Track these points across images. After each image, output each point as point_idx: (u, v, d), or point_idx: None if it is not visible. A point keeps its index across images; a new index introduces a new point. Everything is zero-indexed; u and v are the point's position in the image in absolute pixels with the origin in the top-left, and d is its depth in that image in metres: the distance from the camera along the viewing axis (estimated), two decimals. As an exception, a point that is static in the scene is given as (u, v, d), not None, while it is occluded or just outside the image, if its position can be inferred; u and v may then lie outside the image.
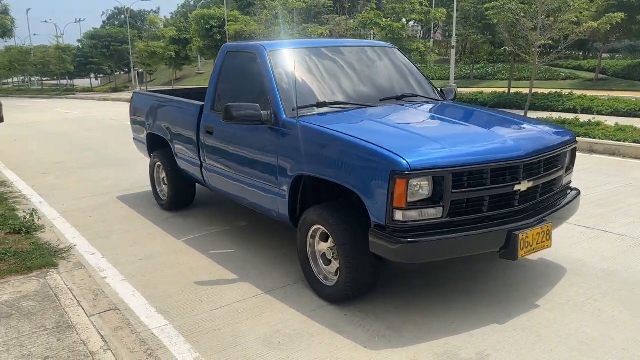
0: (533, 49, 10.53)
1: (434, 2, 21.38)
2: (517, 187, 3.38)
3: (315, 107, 4.09)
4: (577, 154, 4.32)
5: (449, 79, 20.55)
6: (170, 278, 4.23)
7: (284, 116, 3.99)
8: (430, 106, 4.41)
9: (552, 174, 3.69)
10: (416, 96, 4.61)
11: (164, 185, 6.13)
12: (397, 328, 3.35)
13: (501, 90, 16.71)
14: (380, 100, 4.37)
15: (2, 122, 18.61)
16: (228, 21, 26.07)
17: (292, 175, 3.84)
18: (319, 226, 3.67)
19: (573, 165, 4.07)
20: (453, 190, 3.19)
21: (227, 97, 4.67)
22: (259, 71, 4.32)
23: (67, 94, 41.71)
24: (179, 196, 5.91)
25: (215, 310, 3.67)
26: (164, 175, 6.03)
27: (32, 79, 65.67)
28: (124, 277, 4.27)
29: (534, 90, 13.17)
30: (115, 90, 41.30)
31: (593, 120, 10.35)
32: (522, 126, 3.99)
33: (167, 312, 3.67)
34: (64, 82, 57.28)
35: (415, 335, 3.26)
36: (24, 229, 4.79)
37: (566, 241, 4.72)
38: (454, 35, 19.86)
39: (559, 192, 3.88)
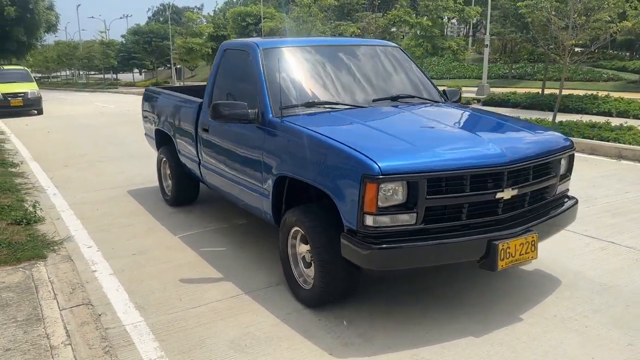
0: (564, 49, 10.13)
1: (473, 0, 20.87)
2: (499, 195, 3.23)
3: (304, 107, 4.02)
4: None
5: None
6: (157, 274, 4.24)
7: (270, 115, 3.94)
8: (423, 108, 4.28)
9: (541, 182, 3.51)
10: (413, 97, 4.48)
11: (169, 181, 6.18)
12: (368, 336, 3.25)
13: (535, 90, 16.20)
14: (374, 100, 4.26)
15: (42, 114, 19.30)
16: (264, 18, 26.22)
17: (275, 175, 3.79)
18: (297, 228, 3.61)
19: (570, 173, 3.87)
20: (428, 196, 3.07)
21: (223, 94, 4.66)
22: (251, 69, 4.28)
23: (110, 88, 42.88)
24: (182, 192, 5.95)
25: (192, 309, 3.66)
26: (169, 171, 6.07)
27: (80, 72, 67.72)
28: (113, 272, 4.31)
29: (569, 92, 12.71)
30: (156, 85, 42.16)
31: (625, 125, 9.89)
32: (514, 131, 3.81)
33: (145, 308, 3.68)
34: (108, 76, 58.93)
35: (385, 344, 3.16)
36: (24, 221, 4.90)
37: (568, 252, 4.51)
38: (487, 33, 19.34)
39: (552, 200, 3.69)
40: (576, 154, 3.99)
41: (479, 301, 3.67)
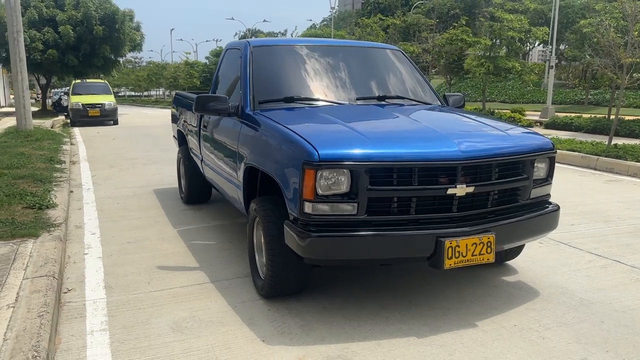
0: (621, 67, 9.53)
1: (556, 23, 19.96)
2: (451, 191, 3.09)
3: (283, 102, 4.07)
4: None
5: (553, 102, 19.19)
6: (140, 260, 4.39)
7: (248, 109, 4.01)
8: (406, 108, 4.18)
9: (508, 182, 3.32)
10: (402, 98, 4.39)
11: (184, 179, 6.39)
12: (309, 327, 3.19)
13: (601, 115, 15.29)
14: (357, 99, 4.22)
15: (117, 124, 20.59)
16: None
17: (245, 165, 3.84)
18: (258, 218, 3.62)
19: (551, 178, 3.63)
20: (370, 187, 2.99)
21: (222, 91, 4.81)
22: (241, 66, 4.39)
23: (190, 105, 44.92)
24: (194, 190, 6.12)
25: (154, 291, 3.75)
26: (183, 169, 6.29)
27: (169, 91, 71.69)
28: (102, 256, 4.51)
29: (634, 117, 11.89)
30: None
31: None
32: (484, 130, 3.64)
33: (112, 288, 3.81)
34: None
35: (321, 336, 3.08)
36: (37, 205, 5.24)
37: (563, 267, 4.20)
38: (552, 54, 18.52)
39: (524, 205, 3.46)
40: (626, 178, 3.73)
41: (442, 305, 3.49)
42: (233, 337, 3.08)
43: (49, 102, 31.20)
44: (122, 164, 9.70)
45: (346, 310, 3.43)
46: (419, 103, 4.40)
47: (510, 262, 4.26)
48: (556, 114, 16.48)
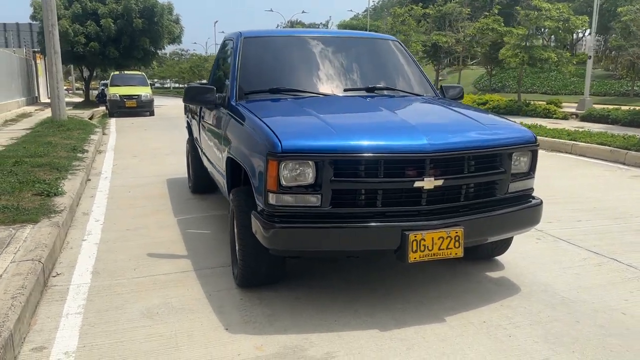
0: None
1: (596, 10, 19.05)
2: (419, 184, 3.03)
3: (269, 94, 4.08)
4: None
5: (594, 92, 18.48)
6: (133, 248, 4.50)
7: (233, 100, 4.04)
8: (392, 99, 4.12)
9: (482, 176, 3.24)
10: (393, 89, 4.33)
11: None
12: (275, 317, 3.21)
13: (642, 108, 14.62)
14: (345, 90, 4.19)
15: (153, 115, 21.09)
16: (369, 30, 26.42)
17: (227, 156, 3.88)
18: (236, 208, 3.66)
19: (533, 172, 3.51)
20: (334, 179, 2.98)
21: (217, 82, 4.86)
22: (232, 57, 4.43)
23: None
24: (198, 179, 6.22)
25: (137, 278, 3.85)
26: (190, 159, 6.41)
27: (209, 82, 72.67)
28: (98, 242, 4.65)
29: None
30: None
31: None
32: (460, 121, 3.54)
33: (99, 273, 3.94)
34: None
35: (285, 326, 3.10)
36: (45, 192, 5.44)
37: (554, 263, 4.08)
38: (591, 44, 17.75)
39: (502, 199, 3.36)
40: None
41: (416, 299, 3.45)
42: (199, 324, 3.14)
43: (94, 93, 32.26)
44: (145, 154, 9.94)
45: (318, 301, 3.43)
46: (409, 95, 4.33)
47: (499, 258, 4.16)
48: (593, 105, 15.85)
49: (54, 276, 3.88)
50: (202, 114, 5.13)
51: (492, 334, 3.00)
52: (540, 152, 9.90)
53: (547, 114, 15.69)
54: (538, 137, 10.75)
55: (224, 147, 3.98)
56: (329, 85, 4.22)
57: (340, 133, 3.09)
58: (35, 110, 20.67)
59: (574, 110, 16.02)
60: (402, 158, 3.03)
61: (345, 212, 3.06)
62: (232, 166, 3.87)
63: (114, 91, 20.47)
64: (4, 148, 8.82)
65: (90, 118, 19.12)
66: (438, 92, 4.61)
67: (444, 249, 3.06)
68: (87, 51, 25.45)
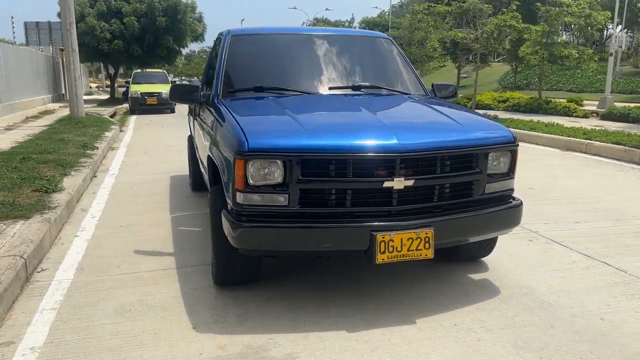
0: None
1: (618, 5, 18.55)
2: (388, 184, 2.99)
3: (253, 92, 4.07)
4: None
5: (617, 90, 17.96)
6: (122, 244, 4.55)
7: (217, 98, 4.05)
8: (375, 98, 4.06)
9: (455, 176, 3.17)
10: (379, 88, 4.27)
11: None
12: (245, 317, 3.20)
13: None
14: (330, 88, 4.15)
15: (173, 112, 21.32)
16: (391, 27, 26.23)
17: (208, 154, 3.89)
18: (214, 207, 3.66)
19: (512, 172, 3.42)
20: (301, 178, 2.95)
21: (209, 80, 4.87)
22: (219, 54, 4.44)
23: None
24: (196, 176, 6.25)
25: (119, 275, 3.89)
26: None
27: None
28: (90, 238, 4.72)
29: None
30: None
31: None
32: (440, 121, 3.47)
33: (83, 269, 3.99)
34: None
35: (253, 325, 3.09)
36: (43, 189, 5.54)
37: (542, 267, 3.97)
38: (613, 41, 17.23)
39: (478, 200, 3.28)
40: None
41: (392, 300, 3.40)
42: (168, 323, 3.15)
43: (120, 91, 32.80)
44: (156, 151, 10.06)
45: (292, 301, 3.42)
46: (396, 93, 4.26)
47: (485, 259, 4.07)
48: (615, 104, 15.42)
49: (39, 271, 3.94)
50: (197, 111, 5.15)
51: (461, 338, 2.94)
52: (554, 151, 9.76)
53: (567, 112, 15.33)
54: (553, 136, 10.53)
55: (207, 144, 3.99)
56: (314, 83, 4.19)
57: (310, 132, 3.06)
58: (60, 107, 21.09)
59: (594, 108, 15.61)
60: (371, 158, 2.98)
61: (314, 212, 3.04)
62: (213, 164, 3.88)
63: (135, 89, 20.76)
64: (17, 144, 9.02)
65: (113, 115, 19.46)
66: (429, 90, 4.53)
67: (413, 250, 3.01)
68: (111, 49, 25.86)
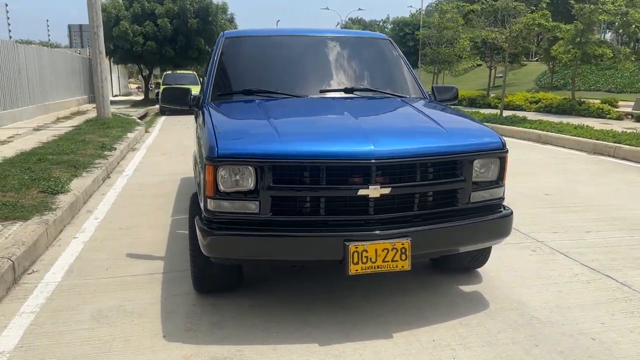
0: None
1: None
2: (363, 192, 2.87)
3: (242, 95, 4.01)
4: None
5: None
6: (116, 247, 4.55)
7: (206, 101, 4.00)
8: (363, 101, 3.94)
9: (436, 184, 3.02)
10: (373, 90, 4.14)
11: (198, 169, 6.55)
12: (219, 326, 3.13)
13: None
14: (321, 91, 4.05)
15: (202, 113, 21.51)
16: (423, 27, 25.85)
17: (195, 158, 3.84)
18: (196, 214, 3.61)
19: (501, 180, 3.24)
20: (273, 185, 2.86)
21: (206, 83, 4.84)
22: (211, 57, 4.40)
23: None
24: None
25: (106, 278, 3.88)
26: (196, 159, 6.44)
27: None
28: (87, 240, 4.75)
29: None
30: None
31: None
32: (424, 125, 3.32)
33: (72, 272, 4.00)
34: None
35: (225, 335, 3.01)
36: (49, 190, 5.62)
37: (540, 280, 3.78)
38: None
39: (466, 209, 3.12)
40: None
41: (374, 312, 3.27)
42: (140, 330, 3.11)
43: (156, 91, 33.33)
44: (174, 152, 10.14)
45: (270, 310, 3.33)
46: (389, 96, 4.12)
47: (480, 270, 3.90)
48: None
49: (30, 273, 3.97)
50: (195, 115, 5.12)
51: (436, 355, 2.79)
52: (580, 155, 9.42)
53: (600, 114, 14.76)
54: (581, 139, 10.14)
55: (195, 149, 3.95)
56: (305, 86, 4.10)
57: (283, 138, 2.97)
58: (93, 107, 21.51)
59: (629, 109, 14.98)
60: (345, 165, 2.87)
61: (287, 220, 2.94)
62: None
63: (165, 90, 21.02)
64: (40, 145, 9.23)
65: (144, 116, 19.79)
66: (428, 93, 4.38)
67: (389, 262, 2.88)
68: (144, 50, 26.36)
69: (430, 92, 4.42)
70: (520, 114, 15.50)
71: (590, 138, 10.15)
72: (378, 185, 2.87)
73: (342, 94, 4.05)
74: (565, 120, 13.33)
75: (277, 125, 3.14)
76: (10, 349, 2.90)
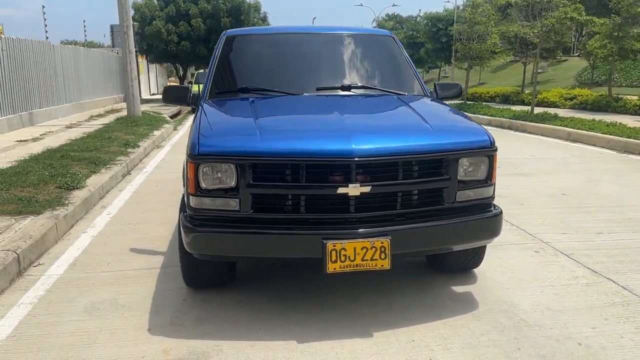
0: None
1: None
2: (343, 191, 2.85)
3: (239, 93, 4.05)
4: None
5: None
6: (123, 242, 4.67)
7: (204, 99, 4.06)
8: (357, 99, 3.91)
9: (419, 183, 2.97)
10: (371, 88, 4.10)
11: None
12: (203, 321, 3.18)
13: None
14: (317, 89, 4.04)
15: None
16: (456, 22, 25.44)
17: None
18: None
19: (490, 179, 3.16)
20: (253, 182, 2.89)
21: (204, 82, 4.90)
22: (212, 55, 4.45)
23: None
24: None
25: (106, 272, 3.99)
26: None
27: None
28: (96, 235, 4.89)
29: None
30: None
31: None
32: (410, 123, 3.27)
33: (76, 265, 4.13)
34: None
35: (207, 330, 3.06)
36: (66, 186, 5.80)
37: (537, 282, 3.68)
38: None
39: (452, 208, 3.06)
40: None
41: (359, 311, 3.26)
42: (127, 323, 3.18)
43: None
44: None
45: (257, 306, 3.36)
46: (386, 93, 4.07)
47: (476, 270, 3.82)
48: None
49: (35, 266, 4.11)
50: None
51: (413, 356, 2.76)
52: (609, 154, 9.14)
53: (637, 111, 14.21)
54: (611, 137, 9.84)
55: (191, 147, 4.00)
56: (301, 84, 4.09)
57: (264, 136, 2.98)
58: (128, 106, 22.14)
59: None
60: (325, 163, 2.86)
61: (267, 217, 2.96)
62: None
63: (197, 89, 21.37)
64: (68, 142, 9.52)
65: (177, 114, 20.16)
66: (430, 91, 4.32)
67: (368, 260, 2.86)
68: (179, 50, 26.88)
69: (432, 90, 4.36)
70: (552, 110, 15.09)
71: (621, 136, 9.80)
72: (358, 184, 2.86)
73: (339, 92, 4.03)
74: (599, 117, 12.89)
75: (261, 123, 3.16)
76: (3, 338, 3.01)
